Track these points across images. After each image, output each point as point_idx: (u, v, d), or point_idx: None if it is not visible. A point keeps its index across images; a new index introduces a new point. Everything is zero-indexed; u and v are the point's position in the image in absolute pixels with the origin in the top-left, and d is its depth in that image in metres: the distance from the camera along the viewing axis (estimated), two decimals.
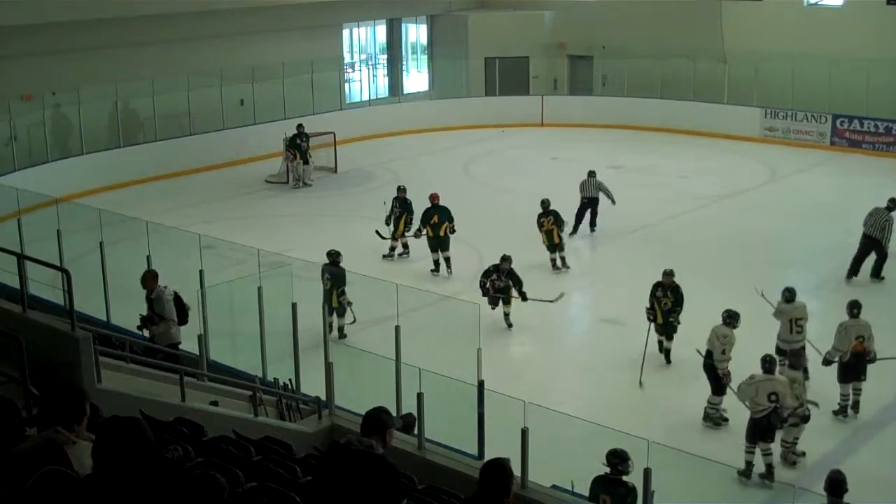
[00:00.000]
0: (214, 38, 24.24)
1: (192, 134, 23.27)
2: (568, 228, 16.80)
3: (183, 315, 10.54)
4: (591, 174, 18.09)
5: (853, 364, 10.88)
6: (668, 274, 12.47)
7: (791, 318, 11.49)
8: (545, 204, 16.01)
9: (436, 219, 15.79)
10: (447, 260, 15.86)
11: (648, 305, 12.45)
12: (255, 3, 24.34)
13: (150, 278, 10.48)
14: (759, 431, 9.66)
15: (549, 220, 15.91)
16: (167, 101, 22.91)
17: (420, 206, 16.18)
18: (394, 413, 6.08)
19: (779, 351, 11.20)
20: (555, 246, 15.96)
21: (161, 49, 23.13)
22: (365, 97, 29.61)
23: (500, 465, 4.87)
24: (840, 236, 16.71)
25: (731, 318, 10.84)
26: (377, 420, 4.84)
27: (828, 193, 21.13)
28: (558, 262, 16.03)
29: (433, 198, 16.09)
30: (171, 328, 10.44)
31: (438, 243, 15.84)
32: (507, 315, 13.78)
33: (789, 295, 11.64)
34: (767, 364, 9.75)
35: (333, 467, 4.42)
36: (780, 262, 16.41)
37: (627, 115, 26.90)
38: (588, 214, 17.89)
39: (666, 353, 12.56)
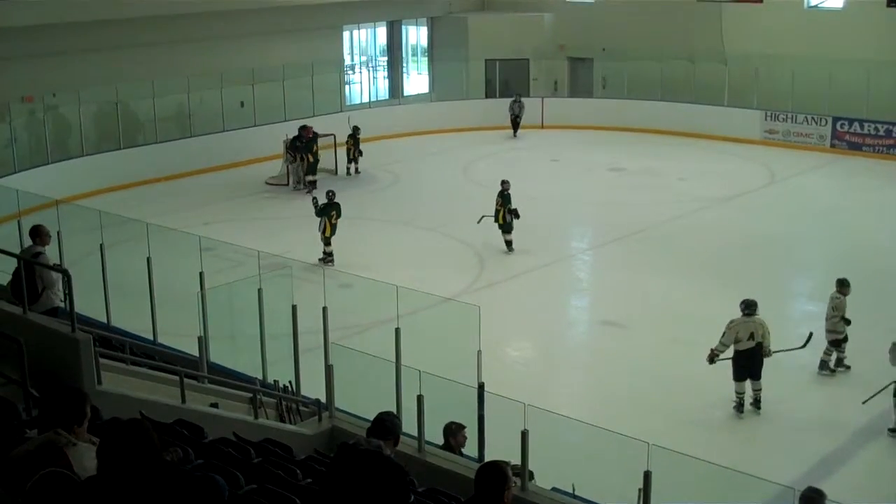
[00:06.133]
0: (215, 40, 24.25)
1: (192, 136, 23.28)
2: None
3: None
4: (514, 95, 27.02)
5: (746, 363, 10.97)
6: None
7: None
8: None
9: (316, 147, 21.20)
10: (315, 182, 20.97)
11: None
12: (256, 5, 24.34)
13: (45, 233, 9.69)
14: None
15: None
16: (167, 103, 22.91)
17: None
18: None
19: None
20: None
21: (161, 51, 23.14)
22: (365, 99, 29.62)
23: (497, 467, 4.86)
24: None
25: None
26: (387, 423, 4.85)
27: (828, 196, 21.15)
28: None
29: (307, 131, 21.34)
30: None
31: (313, 168, 21.09)
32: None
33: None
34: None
35: (343, 467, 4.43)
36: (779, 263, 16.41)
37: (627, 117, 26.92)
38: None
39: None
